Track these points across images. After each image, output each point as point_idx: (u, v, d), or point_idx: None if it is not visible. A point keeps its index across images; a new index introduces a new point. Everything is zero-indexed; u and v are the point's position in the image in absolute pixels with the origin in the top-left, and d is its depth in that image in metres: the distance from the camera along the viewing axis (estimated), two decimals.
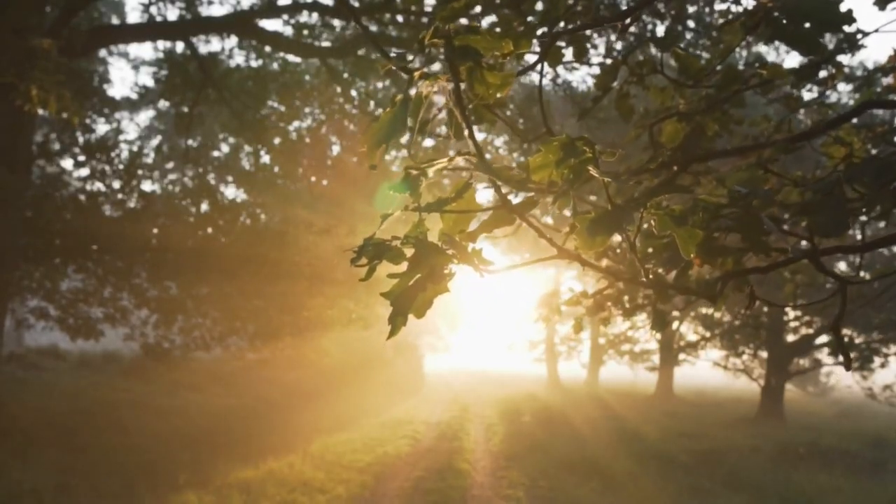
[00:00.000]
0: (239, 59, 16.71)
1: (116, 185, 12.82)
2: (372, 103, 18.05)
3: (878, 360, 19.41)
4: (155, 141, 28.52)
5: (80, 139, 12.65)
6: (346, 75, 15.64)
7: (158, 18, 14.16)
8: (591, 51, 13.72)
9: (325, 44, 14.70)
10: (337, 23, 14.13)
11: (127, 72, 53.78)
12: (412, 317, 1.39)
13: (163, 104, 28.21)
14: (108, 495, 7.65)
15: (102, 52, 26.39)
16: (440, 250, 1.26)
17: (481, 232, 1.37)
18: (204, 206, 13.87)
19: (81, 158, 12.73)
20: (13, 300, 10.95)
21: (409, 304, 1.26)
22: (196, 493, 7.80)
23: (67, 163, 17.76)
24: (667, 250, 1.35)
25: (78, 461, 8.90)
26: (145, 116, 31.80)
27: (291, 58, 16.68)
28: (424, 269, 1.24)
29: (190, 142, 15.49)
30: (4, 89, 5.56)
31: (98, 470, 8.59)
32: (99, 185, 12.89)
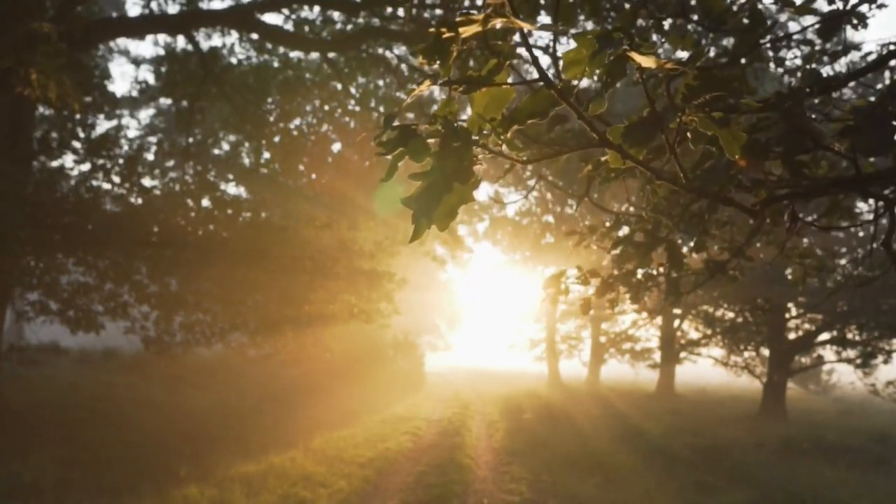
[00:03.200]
0: (240, 55, 16.67)
1: (117, 180, 12.77)
2: (372, 100, 18.01)
3: (880, 357, 19.33)
4: (155, 138, 28.46)
5: (81, 135, 12.60)
6: (346, 70, 15.60)
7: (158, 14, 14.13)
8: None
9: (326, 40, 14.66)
10: (337, 16, 14.08)
11: (127, 67, 53.69)
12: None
13: (163, 102, 28.23)
14: (109, 489, 7.60)
15: (103, 52, 26.33)
16: (469, 135, 1.18)
17: (515, 121, 1.28)
18: (205, 202, 13.82)
19: (82, 154, 12.69)
20: (13, 293, 10.90)
21: (434, 204, 1.17)
22: (198, 486, 7.75)
23: (68, 160, 17.72)
24: (705, 164, 1.27)
25: (79, 455, 8.85)
26: (146, 114, 31.77)
27: (292, 55, 16.66)
28: (451, 160, 1.16)
29: (190, 139, 15.46)
30: (4, 76, 5.51)
31: (99, 464, 8.54)
32: (100, 182, 12.85)
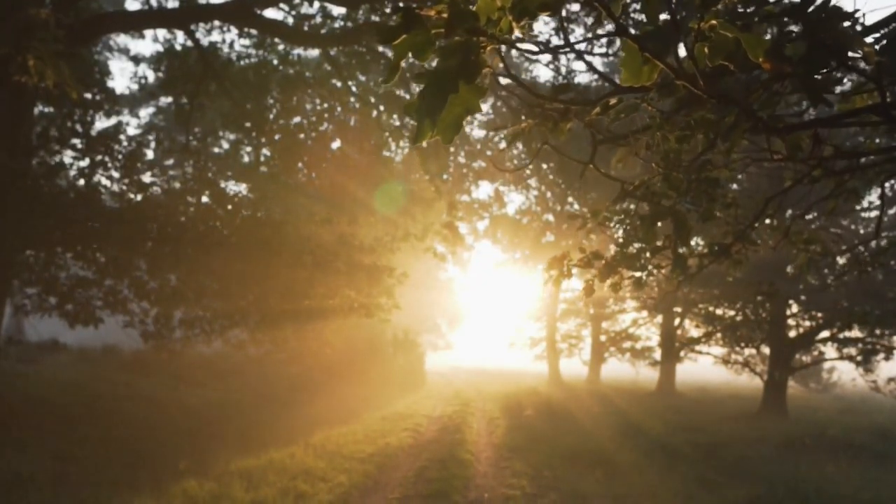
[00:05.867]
0: (240, 51, 16.61)
1: (116, 176, 12.73)
2: (372, 98, 17.97)
3: (881, 354, 19.28)
4: (154, 136, 28.45)
5: (79, 130, 12.55)
6: (345, 68, 15.55)
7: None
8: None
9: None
10: (337, 12, 14.04)
11: (127, 65, 53.66)
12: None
13: (163, 101, 28.18)
14: (107, 483, 7.55)
15: (103, 51, 26.27)
16: (476, 20, 1.11)
17: (526, 11, 1.21)
18: (204, 199, 13.78)
19: (82, 150, 12.64)
20: (12, 287, 10.85)
21: (438, 104, 1.11)
22: (197, 479, 7.71)
23: (67, 157, 17.68)
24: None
25: (77, 451, 8.81)
26: (145, 113, 31.78)
27: (292, 52, 16.61)
28: (457, 53, 1.10)
29: (190, 137, 15.42)
30: (2, 65, 5.47)
31: (97, 459, 8.50)
32: (99, 178, 12.80)
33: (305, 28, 14.35)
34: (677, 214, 2.63)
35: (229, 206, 12.53)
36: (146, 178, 13.99)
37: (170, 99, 22.00)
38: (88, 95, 13.28)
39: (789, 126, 1.38)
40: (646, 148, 2.30)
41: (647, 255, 3.10)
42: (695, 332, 26.68)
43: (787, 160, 2.61)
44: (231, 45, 15.68)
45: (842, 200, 3.22)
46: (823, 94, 1.19)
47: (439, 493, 8.01)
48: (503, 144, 26.23)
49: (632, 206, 3.12)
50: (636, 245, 3.09)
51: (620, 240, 3.46)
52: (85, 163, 12.81)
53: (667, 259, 3.38)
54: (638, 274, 3.32)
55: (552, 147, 1.95)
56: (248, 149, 20.06)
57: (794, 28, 1.21)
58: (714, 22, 1.13)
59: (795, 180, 2.86)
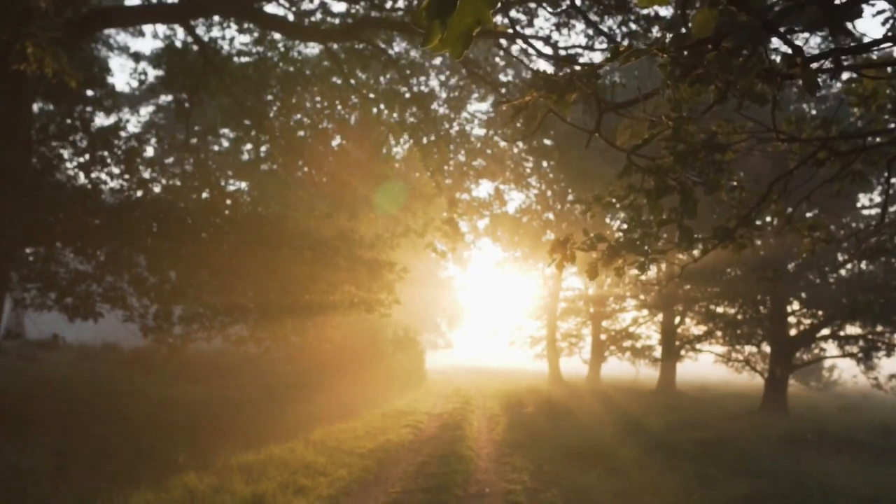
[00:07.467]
0: (240, 47, 16.60)
1: (116, 171, 12.72)
2: (372, 94, 17.94)
3: (882, 351, 19.25)
4: (154, 134, 28.42)
5: (79, 126, 12.54)
6: (345, 63, 15.53)
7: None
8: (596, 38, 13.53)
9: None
10: (337, 9, 14.02)
11: (126, 60, 53.58)
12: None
13: (163, 99, 28.17)
14: (107, 476, 7.53)
15: (104, 50, 26.24)
16: None
17: None
18: (204, 195, 13.76)
19: (82, 146, 12.63)
20: (11, 282, 10.83)
21: (449, 5, 1.09)
22: (196, 473, 7.69)
23: (66, 154, 17.69)
24: None
25: (77, 446, 8.78)
26: (146, 111, 31.77)
27: (292, 51, 16.59)
28: None
29: (190, 135, 15.40)
30: (1, 57, 5.44)
31: (97, 454, 8.47)
32: (99, 174, 12.80)
33: (305, 24, 14.32)
34: (684, 186, 2.60)
35: (229, 202, 12.51)
36: (146, 174, 14.01)
37: (170, 97, 22.00)
38: (90, 92, 13.27)
39: (810, 59, 1.35)
40: (653, 111, 2.27)
41: (650, 239, 3.08)
42: (695, 330, 26.67)
43: (792, 140, 2.58)
44: (231, 41, 15.66)
45: (848, 182, 3.18)
46: (844, 22, 1.16)
47: (440, 488, 7.99)
48: (503, 144, 26.14)
49: (637, 185, 3.10)
50: (639, 231, 3.07)
51: (624, 225, 3.43)
52: (85, 159, 12.81)
53: (670, 243, 3.35)
54: (641, 259, 3.31)
55: (555, 114, 1.91)
56: (249, 146, 20.05)
57: None
58: None
59: (800, 161, 2.83)
